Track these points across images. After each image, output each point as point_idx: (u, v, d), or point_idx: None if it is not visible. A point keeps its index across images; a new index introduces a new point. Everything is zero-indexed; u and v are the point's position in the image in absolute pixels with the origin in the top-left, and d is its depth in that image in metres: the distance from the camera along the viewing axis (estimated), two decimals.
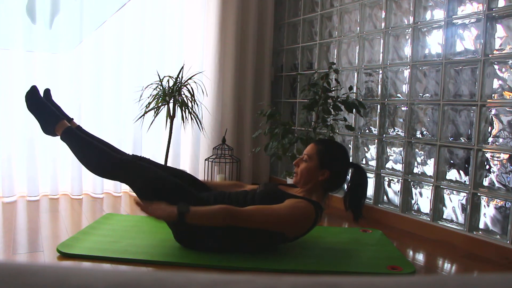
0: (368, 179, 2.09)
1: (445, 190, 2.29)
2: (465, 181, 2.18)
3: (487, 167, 2.09)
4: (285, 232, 1.82)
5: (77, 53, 2.93)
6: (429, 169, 2.37)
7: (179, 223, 1.78)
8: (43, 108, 2.09)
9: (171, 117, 2.81)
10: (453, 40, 2.25)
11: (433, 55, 2.36)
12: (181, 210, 1.66)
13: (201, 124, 2.99)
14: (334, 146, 1.99)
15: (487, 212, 2.08)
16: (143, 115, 2.78)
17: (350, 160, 2.02)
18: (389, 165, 2.62)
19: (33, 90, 2.11)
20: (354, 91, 2.80)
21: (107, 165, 1.99)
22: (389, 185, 2.63)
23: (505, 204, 2.00)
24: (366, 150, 2.80)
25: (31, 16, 2.74)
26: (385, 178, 2.65)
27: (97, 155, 2.00)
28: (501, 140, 2.03)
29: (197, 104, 2.95)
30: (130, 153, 2.27)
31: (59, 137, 2.08)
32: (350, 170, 1.99)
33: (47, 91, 2.21)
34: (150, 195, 1.93)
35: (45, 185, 2.87)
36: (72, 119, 2.22)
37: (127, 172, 1.97)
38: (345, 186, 2.02)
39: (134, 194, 2.03)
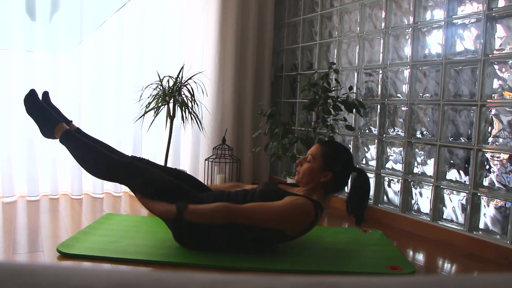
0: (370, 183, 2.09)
1: (445, 190, 2.29)
2: (465, 181, 2.18)
3: (487, 167, 2.09)
4: (284, 229, 1.81)
5: (77, 53, 2.93)
6: (429, 169, 2.37)
7: (178, 220, 1.79)
8: (42, 111, 2.09)
9: (171, 117, 2.81)
10: (453, 40, 2.25)
11: (433, 55, 2.36)
12: (180, 207, 1.67)
13: (201, 124, 2.99)
14: (339, 149, 1.98)
15: (487, 212, 2.08)
16: (143, 115, 2.78)
17: (354, 164, 2.01)
18: (389, 165, 2.62)
19: (32, 94, 2.11)
20: (354, 91, 2.80)
21: (106, 167, 1.99)
22: (389, 185, 2.63)
23: (505, 204, 2.00)
24: (366, 150, 2.80)
25: (30, 14, 2.73)
26: (385, 178, 2.65)
27: (96, 157, 2.00)
28: (501, 140, 2.03)
29: (197, 104, 2.95)
30: (130, 154, 2.27)
31: (58, 140, 2.09)
32: (352, 174, 1.98)
33: (45, 94, 2.21)
34: (149, 196, 1.93)
35: (45, 185, 2.87)
36: (71, 121, 2.22)
37: (126, 174, 1.97)
38: (347, 190, 2.02)
39: (133, 194, 2.03)
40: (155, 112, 2.78)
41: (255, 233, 1.79)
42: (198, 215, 1.70)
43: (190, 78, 2.90)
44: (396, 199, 2.56)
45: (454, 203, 2.24)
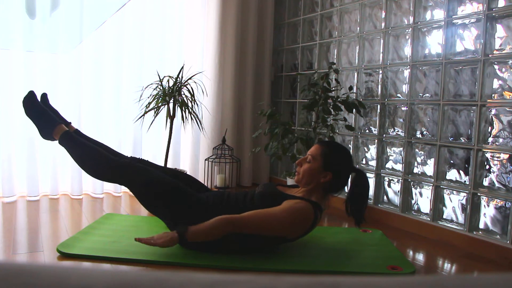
0: (370, 183, 2.09)
1: (445, 190, 2.29)
2: (465, 181, 2.18)
3: (487, 167, 2.09)
4: (285, 234, 1.82)
5: (77, 53, 2.92)
6: (429, 169, 2.37)
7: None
8: (41, 113, 2.09)
9: (171, 117, 2.81)
10: (453, 40, 2.25)
11: (433, 55, 2.36)
12: (181, 232, 1.67)
13: (201, 124, 2.99)
14: (339, 149, 1.98)
15: (487, 212, 2.08)
16: (143, 115, 2.78)
17: (353, 164, 2.01)
18: (389, 165, 2.62)
19: (31, 95, 2.11)
20: (354, 91, 2.80)
21: (105, 168, 1.99)
22: (389, 185, 2.63)
23: (505, 204, 2.00)
24: (366, 150, 2.80)
25: (29, 12, 2.73)
26: (385, 178, 2.65)
27: (95, 158, 2.00)
28: (501, 140, 2.03)
29: (197, 104, 2.95)
30: (130, 154, 2.27)
31: (57, 141, 2.09)
32: (352, 175, 1.98)
33: (44, 96, 2.21)
34: (149, 197, 1.94)
35: (45, 185, 2.87)
36: (70, 123, 2.22)
37: (125, 175, 1.97)
38: (346, 190, 2.02)
39: (133, 195, 2.03)
40: (155, 112, 2.78)
41: (255, 238, 1.79)
42: (200, 234, 1.70)
43: (190, 78, 2.90)
44: (396, 199, 2.56)
45: (454, 203, 2.24)
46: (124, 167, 1.97)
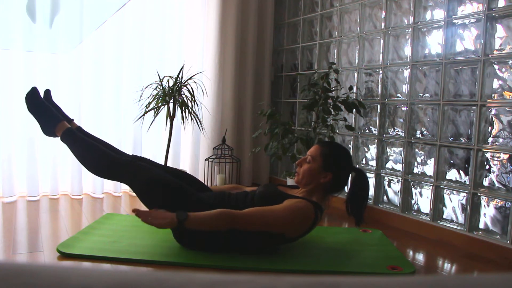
0: (370, 183, 2.09)
1: (445, 190, 2.29)
2: (465, 181, 2.18)
3: (487, 167, 2.09)
4: (285, 232, 1.82)
5: (77, 53, 2.93)
6: (429, 169, 2.37)
7: (180, 230, 1.80)
8: (43, 109, 2.09)
9: (171, 117, 2.81)
10: (453, 40, 2.25)
11: (433, 55, 2.36)
12: (180, 217, 1.67)
13: (201, 124, 2.99)
14: (339, 149, 1.98)
15: (487, 212, 2.08)
16: (143, 115, 2.78)
17: (353, 164, 2.01)
18: (389, 165, 2.62)
19: (33, 92, 2.11)
20: (354, 91, 2.80)
21: (106, 166, 1.99)
22: (389, 185, 2.63)
23: (505, 204, 2.00)
24: (366, 150, 2.80)
25: (31, 15, 2.74)
26: (385, 178, 2.65)
27: (97, 156, 2.00)
28: (501, 140, 2.03)
29: (197, 104, 2.95)
30: (130, 154, 2.27)
31: (59, 138, 2.09)
32: (352, 174, 1.99)
33: (47, 92, 2.21)
34: (150, 195, 1.93)
35: (45, 185, 2.87)
36: (72, 120, 2.22)
37: (127, 173, 1.97)
38: (346, 190, 2.02)
39: (134, 194, 2.03)
40: (155, 112, 2.78)
41: (255, 237, 1.79)
42: (199, 223, 1.69)
43: (190, 78, 2.90)
44: (396, 199, 2.56)
45: (454, 203, 2.24)
46: (126, 165, 1.97)
